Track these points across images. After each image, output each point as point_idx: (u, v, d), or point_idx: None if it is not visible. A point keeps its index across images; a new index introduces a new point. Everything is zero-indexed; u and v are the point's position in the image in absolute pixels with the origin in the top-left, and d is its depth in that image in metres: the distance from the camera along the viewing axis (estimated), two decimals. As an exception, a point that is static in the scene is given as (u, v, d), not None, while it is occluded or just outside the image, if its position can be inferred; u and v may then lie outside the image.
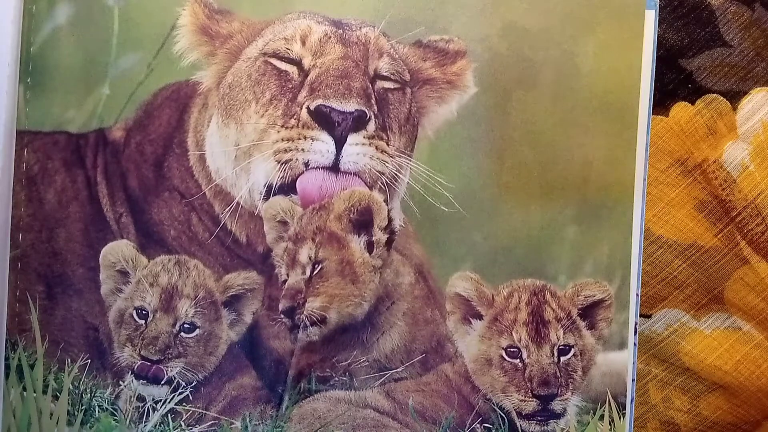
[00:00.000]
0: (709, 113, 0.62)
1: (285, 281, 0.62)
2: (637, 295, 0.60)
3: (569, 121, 0.61)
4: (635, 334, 0.61)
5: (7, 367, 0.64)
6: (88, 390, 0.64)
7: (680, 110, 0.62)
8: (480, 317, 0.62)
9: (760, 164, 0.62)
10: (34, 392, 0.64)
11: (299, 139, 0.61)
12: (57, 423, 0.64)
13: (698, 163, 0.62)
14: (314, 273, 0.61)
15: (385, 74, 0.62)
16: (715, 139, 0.62)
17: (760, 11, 0.61)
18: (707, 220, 0.62)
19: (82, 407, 0.64)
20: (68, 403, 0.64)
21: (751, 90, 0.62)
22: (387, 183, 0.62)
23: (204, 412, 0.63)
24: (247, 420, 0.63)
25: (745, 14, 0.62)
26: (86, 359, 0.64)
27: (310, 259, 0.62)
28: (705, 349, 0.63)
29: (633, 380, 0.61)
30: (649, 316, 0.63)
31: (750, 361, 0.63)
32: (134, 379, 0.63)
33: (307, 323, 0.61)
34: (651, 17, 0.60)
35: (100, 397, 0.64)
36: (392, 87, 0.63)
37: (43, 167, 0.65)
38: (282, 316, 0.62)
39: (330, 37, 0.62)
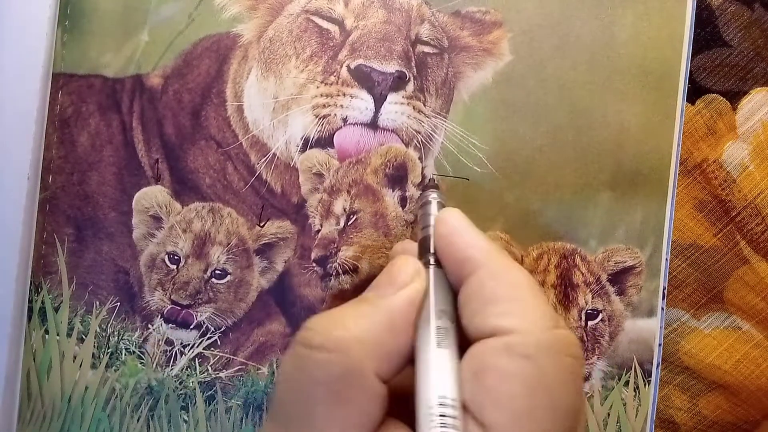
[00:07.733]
0: (709, 113, 0.63)
1: (318, 231, 0.63)
2: (666, 259, 0.61)
3: (606, 87, 0.62)
4: (663, 299, 0.61)
5: (30, 309, 0.64)
6: (115, 333, 0.64)
7: (679, 111, 0.63)
8: (509, 277, 0.63)
9: (760, 164, 0.62)
10: (58, 335, 0.64)
11: (338, 95, 0.62)
12: (80, 366, 0.64)
13: (698, 162, 0.63)
14: (349, 223, 0.62)
15: (425, 39, 0.63)
16: (714, 138, 0.63)
17: (759, 11, 0.62)
18: (707, 219, 0.63)
19: (108, 350, 0.64)
20: (94, 345, 0.64)
21: (750, 90, 0.63)
22: (422, 141, 0.63)
23: (231, 357, 0.63)
24: (275, 365, 0.63)
25: (744, 14, 0.62)
26: (115, 302, 0.64)
27: (344, 210, 0.62)
28: (704, 349, 0.63)
29: (660, 344, 0.61)
30: (648, 315, 0.64)
31: (750, 360, 0.63)
32: (163, 323, 0.64)
33: (340, 271, 0.62)
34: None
35: (128, 340, 0.64)
36: (431, 52, 0.63)
37: (77, 110, 0.65)
38: (314, 264, 0.63)
39: (373, 1, 0.63)
